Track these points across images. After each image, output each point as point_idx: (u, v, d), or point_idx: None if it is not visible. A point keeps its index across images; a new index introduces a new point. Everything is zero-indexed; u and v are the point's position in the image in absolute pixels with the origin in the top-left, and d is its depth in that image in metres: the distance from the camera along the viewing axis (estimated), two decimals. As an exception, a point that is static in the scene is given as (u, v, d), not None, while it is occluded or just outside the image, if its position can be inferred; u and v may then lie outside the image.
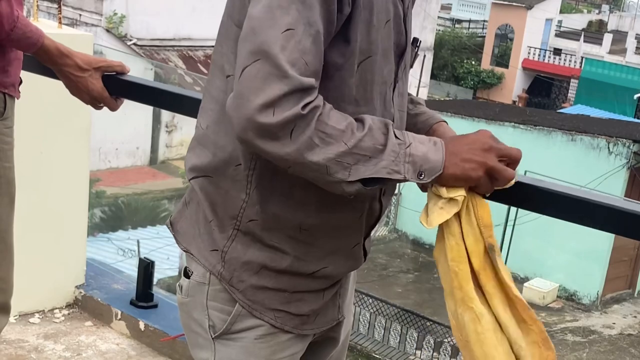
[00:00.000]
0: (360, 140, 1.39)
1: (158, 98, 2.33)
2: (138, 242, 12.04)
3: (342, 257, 1.60)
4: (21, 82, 2.28)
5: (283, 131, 1.34)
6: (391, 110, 1.57)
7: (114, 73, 2.18)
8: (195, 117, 1.64)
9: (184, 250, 1.64)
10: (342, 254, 1.59)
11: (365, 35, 1.45)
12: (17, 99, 2.28)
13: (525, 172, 12.01)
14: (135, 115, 16.75)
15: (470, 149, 1.47)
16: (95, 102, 2.17)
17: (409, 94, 1.77)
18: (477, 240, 1.54)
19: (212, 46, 1.63)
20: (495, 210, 1.54)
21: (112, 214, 15.76)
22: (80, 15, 20.89)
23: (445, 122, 1.74)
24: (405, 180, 1.42)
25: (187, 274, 1.63)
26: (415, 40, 1.67)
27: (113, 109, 2.17)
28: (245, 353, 1.60)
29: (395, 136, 1.42)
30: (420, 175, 1.43)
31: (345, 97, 1.47)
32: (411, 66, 1.70)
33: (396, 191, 17.22)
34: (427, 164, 1.43)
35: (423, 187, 1.58)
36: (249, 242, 1.54)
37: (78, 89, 2.14)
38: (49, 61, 2.12)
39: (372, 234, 1.69)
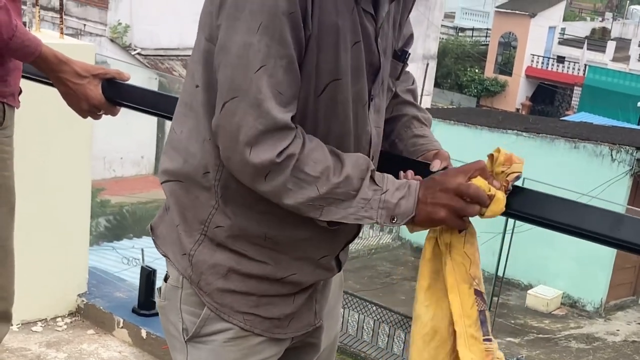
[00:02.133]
0: (335, 187, 1.45)
1: (156, 104, 2.33)
2: (142, 250, 12.01)
3: (310, 267, 1.61)
4: (21, 91, 2.29)
5: (258, 174, 1.42)
6: (367, 128, 1.58)
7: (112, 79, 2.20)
8: None
9: (162, 255, 1.66)
10: (310, 264, 1.60)
11: (332, 58, 1.46)
12: (17, 108, 2.29)
13: (524, 179, 11.96)
14: (140, 124, 16.78)
15: (435, 192, 1.50)
16: (94, 109, 2.17)
17: (419, 109, 1.79)
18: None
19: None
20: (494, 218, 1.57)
21: (117, 223, 15.77)
22: (84, 25, 20.97)
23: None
24: (378, 224, 1.49)
25: (166, 277, 1.66)
26: (404, 52, 1.70)
27: (113, 114, 2.19)
28: (215, 356, 1.62)
29: (374, 182, 1.48)
30: (393, 220, 1.48)
31: (311, 116, 1.49)
32: (397, 78, 1.71)
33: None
34: (399, 209, 1.48)
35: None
36: (215, 247, 1.57)
37: (76, 97, 2.14)
38: (47, 69, 2.12)
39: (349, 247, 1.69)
